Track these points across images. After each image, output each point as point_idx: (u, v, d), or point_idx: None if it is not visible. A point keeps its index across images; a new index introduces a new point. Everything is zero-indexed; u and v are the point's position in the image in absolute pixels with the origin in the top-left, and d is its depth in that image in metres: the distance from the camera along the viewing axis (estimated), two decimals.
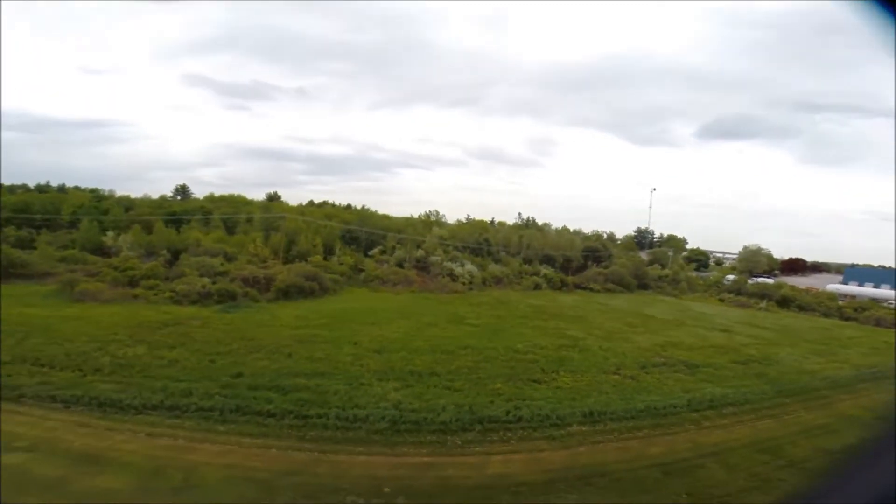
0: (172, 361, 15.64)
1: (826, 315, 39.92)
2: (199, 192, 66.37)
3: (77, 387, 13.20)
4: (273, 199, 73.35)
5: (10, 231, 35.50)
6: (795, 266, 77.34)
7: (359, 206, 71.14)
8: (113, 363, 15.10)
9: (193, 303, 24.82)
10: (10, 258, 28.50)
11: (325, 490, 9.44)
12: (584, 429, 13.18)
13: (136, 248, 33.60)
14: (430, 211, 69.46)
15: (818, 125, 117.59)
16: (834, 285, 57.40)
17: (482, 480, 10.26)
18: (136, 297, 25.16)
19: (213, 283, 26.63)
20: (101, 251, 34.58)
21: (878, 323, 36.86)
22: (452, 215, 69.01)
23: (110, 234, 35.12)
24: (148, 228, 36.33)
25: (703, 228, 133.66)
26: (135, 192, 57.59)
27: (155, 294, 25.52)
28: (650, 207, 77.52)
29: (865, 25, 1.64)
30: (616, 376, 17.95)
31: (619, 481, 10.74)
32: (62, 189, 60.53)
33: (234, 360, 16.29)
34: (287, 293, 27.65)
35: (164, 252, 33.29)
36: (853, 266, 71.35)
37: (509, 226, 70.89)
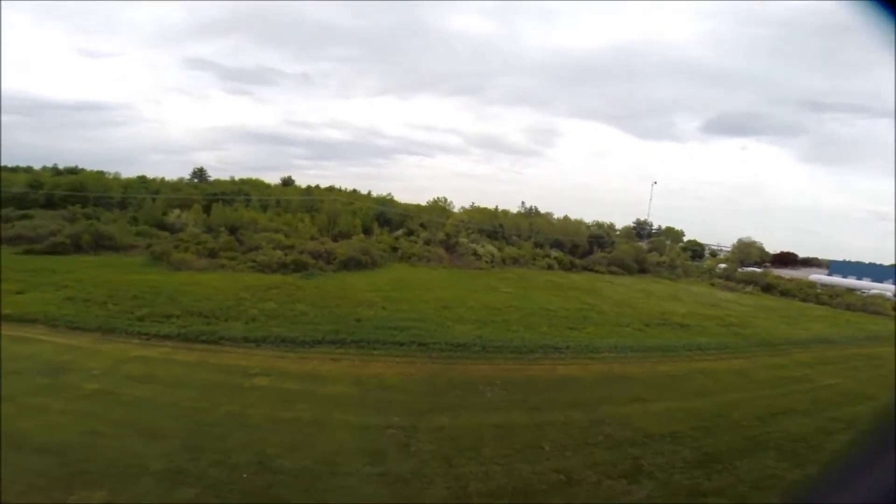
0: (302, 313, 21.40)
1: (804, 300, 46.58)
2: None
3: (251, 331, 18.53)
4: (287, 183, 78.13)
5: (76, 209, 40.21)
6: (786, 259, 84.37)
7: (362, 191, 76.21)
8: (261, 314, 20.76)
9: (274, 271, 30.45)
10: (98, 231, 33.67)
11: (465, 383, 15.40)
12: (613, 355, 19.64)
13: (198, 224, 38.80)
14: (438, 197, 74.84)
15: (824, 124, 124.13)
16: (816, 276, 64.66)
17: (555, 378, 16.49)
18: (222, 266, 30.68)
19: (286, 255, 32.29)
20: (162, 227, 39.60)
21: (848, 307, 44.04)
22: (456, 202, 74.27)
23: (175, 211, 40.18)
24: (204, 208, 41.49)
25: (701, 222, 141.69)
26: (133, 175, 60.78)
27: (238, 264, 31.05)
28: (650, 200, 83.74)
29: (866, 25, 1.69)
30: (628, 328, 24.39)
31: (641, 382, 17.11)
32: (74, 171, 63.63)
33: (347, 311, 22.20)
34: (347, 265, 33.45)
35: (223, 229, 38.58)
36: (847, 261, 77.76)
37: (517, 213, 77.12)
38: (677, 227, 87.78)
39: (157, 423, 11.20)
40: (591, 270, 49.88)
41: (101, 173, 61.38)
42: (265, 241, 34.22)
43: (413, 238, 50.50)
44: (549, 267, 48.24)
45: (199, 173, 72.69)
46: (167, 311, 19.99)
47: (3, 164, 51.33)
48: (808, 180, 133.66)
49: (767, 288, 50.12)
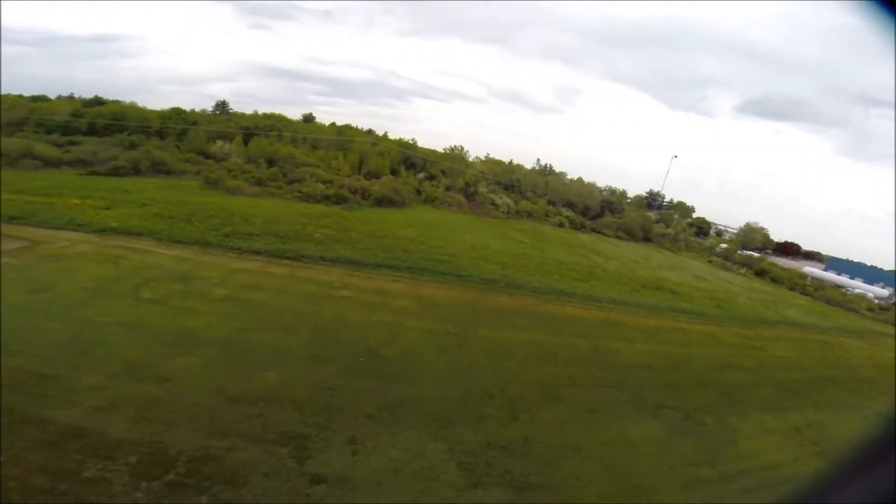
0: (357, 240, 25.66)
1: (791, 289, 50.64)
2: (209, 106, 69.84)
3: (323, 252, 22.71)
4: (308, 119, 79.35)
5: (123, 136, 42.43)
6: (788, 249, 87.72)
7: (377, 132, 77.34)
8: (324, 238, 24.93)
9: (317, 202, 34.31)
10: (153, 157, 36.80)
11: (496, 309, 20.07)
12: (611, 306, 24.37)
13: (240, 155, 41.89)
14: (454, 145, 76.57)
15: (870, 119, 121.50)
16: (809, 269, 68.53)
17: (565, 315, 21.22)
18: (271, 194, 34.33)
19: (327, 188, 36.01)
20: (206, 156, 42.01)
21: (828, 301, 48.40)
22: (471, 151, 75.87)
23: (219, 142, 43.10)
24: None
25: (715, 201, 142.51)
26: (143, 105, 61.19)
27: (285, 193, 34.74)
28: (667, 173, 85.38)
29: (866, 26, 1.68)
30: (626, 287, 29.05)
31: (631, 328, 21.90)
32: (100, 101, 63.26)
33: (393, 242, 26.49)
34: (381, 202, 37.34)
35: (262, 161, 41.61)
36: (847, 260, 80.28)
37: (531, 169, 79.70)
38: (689, 202, 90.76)
39: (283, 321, 15.49)
40: (598, 233, 54.10)
41: (133, 105, 61.60)
42: (308, 174, 37.68)
43: (434, 183, 53.94)
44: (561, 224, 52.33)
45: (222, 106, 73.26)
46: (246, 230, 24.10)
47: (16, 92, 51.16)
48: (838, 174, 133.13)
49: (760, 273, 54.16)
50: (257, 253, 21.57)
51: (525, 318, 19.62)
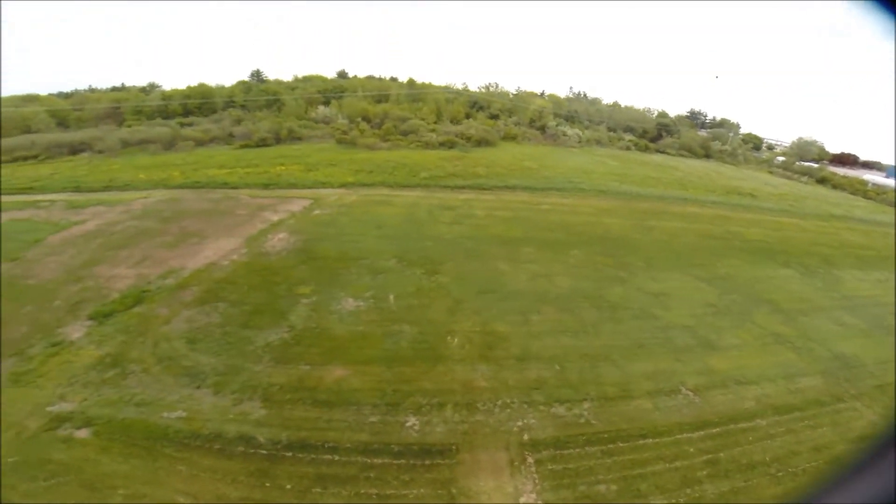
0: (501, 174, 32.95)
1: (852, 194, 56.19)
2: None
3: (496, 183, 30.46)
4: (343, 75, 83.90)
5: (232, 113, 48.91)
6: (845, 160, 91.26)
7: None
8: (486, 173, 32.48)
9: (433, 149, 41.26)
10: (291, 130, 43.89)
11: (647, 210, 27.95)
12: (714, 205, 32.00)
13: (343, 117, 48.57)
14: (489, 83, 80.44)
15: None
16: (870, 176, 73.02)
17: (688, 212, 29.00)
18: (397, 146, 41.28)
19: (437, 136, 42.95)
20: (313, 121, 48.14)
21: (890, 204, 53.90)
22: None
23: (321, 108, 49.78)
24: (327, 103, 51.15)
25: (762, 115, 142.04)
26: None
27: (408, 143, 41.79)
28: (710, 93, 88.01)
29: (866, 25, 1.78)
30: (714, 193, 36.35)
31: (737, 220, 29.35)
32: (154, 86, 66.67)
33: (530, 172, 34.07)
34: (479, 143, 44.28)
35: (359, 119, 48.08)
36: None
37: (570, 97, 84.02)
38: (734, 119, 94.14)
39: (537, 225, 23.65)
40: (662, 153, 60.12)
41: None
42: (417, 127, 44.54)
43: (500, 121, 59.97)
44: (627, 148, 58.51)
45: (257, 74, 77.36)
46: (434, 174, 31.68)
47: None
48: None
49: (821, 181, 59.88)
50: (461, 189, 29.36)
51: (668, 215, 27.68)
